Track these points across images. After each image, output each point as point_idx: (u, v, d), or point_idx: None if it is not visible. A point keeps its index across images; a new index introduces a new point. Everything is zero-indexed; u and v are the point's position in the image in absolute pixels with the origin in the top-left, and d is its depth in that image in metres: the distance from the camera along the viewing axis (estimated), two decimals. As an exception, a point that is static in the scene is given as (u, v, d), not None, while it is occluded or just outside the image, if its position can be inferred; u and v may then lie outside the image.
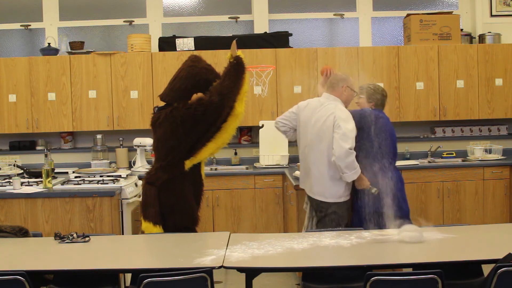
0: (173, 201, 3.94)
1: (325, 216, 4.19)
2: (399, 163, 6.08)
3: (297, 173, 4.96)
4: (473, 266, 3.36)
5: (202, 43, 6.17)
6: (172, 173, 3.93)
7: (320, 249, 3.21)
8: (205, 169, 5.93)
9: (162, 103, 4.10)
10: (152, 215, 3.91)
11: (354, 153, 4.05)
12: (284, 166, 5.98)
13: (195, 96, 3.96)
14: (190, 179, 4.01)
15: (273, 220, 5.81)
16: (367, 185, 4.16)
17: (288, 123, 4.47)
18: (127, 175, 5.42)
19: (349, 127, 4.10)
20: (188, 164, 3.95)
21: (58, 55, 6.18)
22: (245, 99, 4.05)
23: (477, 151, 6.24)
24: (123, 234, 4.78)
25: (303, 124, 4.34)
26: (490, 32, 6.50)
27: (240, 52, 4.04)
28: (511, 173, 5.97)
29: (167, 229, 3.89)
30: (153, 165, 4.09)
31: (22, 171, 5.63)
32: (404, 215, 4.17)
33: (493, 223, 5.67)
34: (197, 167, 4.05)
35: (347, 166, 4.03)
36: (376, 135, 4.23)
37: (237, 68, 3.98)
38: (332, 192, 4.17)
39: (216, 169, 6.15)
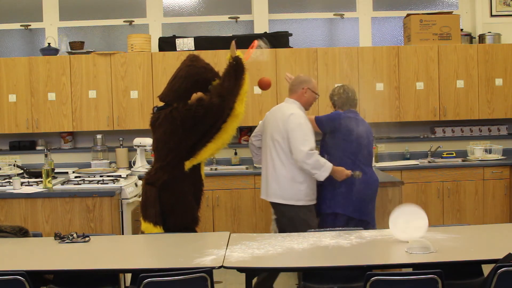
0: (173, 201, 3.93)
1: (286, 221, 4.14)
2: (399, 163, 6.12)
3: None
4: (473, 266, 3.36)
5: (202, 43, 6.17)
6: (172, 174, 3.92)
7: (320, 249, 3.20)
8: (205, 169, 5.92)
9: (161, 103, 4.10)
10: (152, 216, 3.91)
11: (316, 152, 4.02)
12: (284, 166, 5.97)
13: (194, 96, 3.96)
14: (190, 179, 4.00)
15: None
16: (347, 173, 4.10)
17: (261, 133, 4.42)
18: (127, 175, 5.42)
19: (305, 129, 4.06)
20: (188, 164, 3.95)
21: (58, 55, 6.18)
22: (245, 100, 4.05)
23: (477, 151, 6.24)
24: (123, 234, 4.78)
25: (265, 129, 4.34)
26: (490, 32, 6.50)
27: (239, 53, 4.03)
28: (511, 173, 5.97)
29: (168, 229, 3.88)
30: (153, 165, 4.08)
31: (22, 171, 5.63)
32: (366, 220, 4.13)
33: (493, 223, 5.68)
34: (197, 167, 4.05)
35: (313, 167, 4.01)
36: (346, 138, 4.19)
37: (236, 69, 3.97)
38: (290, 195, 4.12)
39: (216, 169, 6.14)
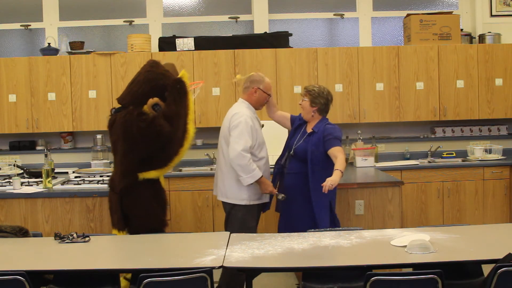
0: (133, 206, 4.00)
1: (226, 217, 4.23)
2: (399, 163, 6.12)
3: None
4: (473, 266, 3.37)
5: (202, 43, 6.16)
6: (128, 180, 3.97)
7: (320, 249, 3.21)
8: (206, 169, 5.95)
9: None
10: (116, 222, 4.01)
11: (247, 155, 4.00)
12: (284, 166, 5.97)
13: (150, 101, 4.03)
14: (148, 185, 4.04)
15: (273, 220, 5.79)
16: (271, 190, 4.12)
17: None
18: (127, 175, 5.41)
19: (243, 128, 4.05)
20: (141, 177, 3.99)
21: (58, 55, 6.18)
22: (192, 118, 4.09)
23: (477, 151, 6.23)
24: (123, 234, 4.78)
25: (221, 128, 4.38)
26: (490, 32, 6.50)
27: (183, 72, 4.09)
28: (511, 173, 5.97)
29: (133, 234, 3.94)
30: (113, 170, 4.18)
31: (22, 171, 5.63)
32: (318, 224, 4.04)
33: (493, 223, 5.67)
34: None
35: (241, 169, 4.01)
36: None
37: (181, 91, 4.03)
38: (234, 194, 4.14)
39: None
